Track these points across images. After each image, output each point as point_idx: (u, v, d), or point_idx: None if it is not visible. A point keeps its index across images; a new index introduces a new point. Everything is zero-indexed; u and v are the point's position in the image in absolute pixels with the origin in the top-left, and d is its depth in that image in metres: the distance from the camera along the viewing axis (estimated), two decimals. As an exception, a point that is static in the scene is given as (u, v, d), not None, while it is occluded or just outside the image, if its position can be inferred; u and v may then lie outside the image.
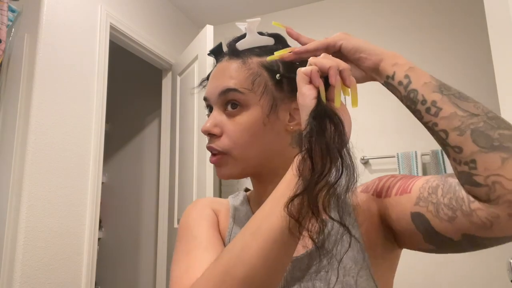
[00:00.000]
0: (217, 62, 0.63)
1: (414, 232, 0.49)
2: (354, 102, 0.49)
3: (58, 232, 1.60)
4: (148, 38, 2.34)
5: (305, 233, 0.50)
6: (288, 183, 0.46)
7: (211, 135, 0.59)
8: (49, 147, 1.61)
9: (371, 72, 0.52)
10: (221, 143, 0.57)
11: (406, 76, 0.48)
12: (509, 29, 1.07)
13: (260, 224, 0.45)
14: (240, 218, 0.63)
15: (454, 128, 0.43)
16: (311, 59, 0.50)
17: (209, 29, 2.13)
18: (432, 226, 0.46)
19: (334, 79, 0.47)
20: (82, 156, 1.78)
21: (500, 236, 0.41)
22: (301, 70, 0.50)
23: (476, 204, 0.42)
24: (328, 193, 0.44)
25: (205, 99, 0.62)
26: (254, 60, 0.59)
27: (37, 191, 1.54)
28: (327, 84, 0.49)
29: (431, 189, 0.47)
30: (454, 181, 0.46)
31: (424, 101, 0.46)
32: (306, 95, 0.48)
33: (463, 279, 2.02)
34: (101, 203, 1.90)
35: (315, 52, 0.54)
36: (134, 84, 3.09)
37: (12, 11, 1.63)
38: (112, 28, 2.06)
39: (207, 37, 2.12)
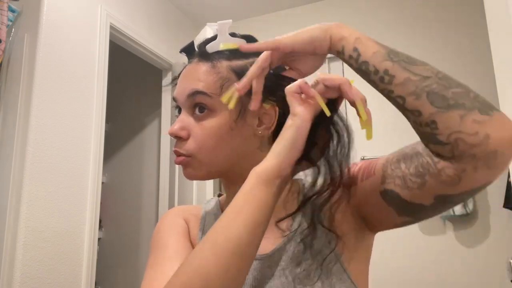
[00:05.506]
0: (188, 60, 0.63)
1: (387, 209, 0.52)
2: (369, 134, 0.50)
3: (58, 232, 1.60)
4: (148, 38, 2.34)
5: (273, 231, 0.55)
6: (246, 196, 0.47)
7: (178, 138, 0.58)
8: (49, 146, 1.61)
9: (329, 52, 0.52)
10: (187, 147, 0.57)
11: (355, 49, 0.49)
12: (509, 29, 1.07)
13: (218, 236, 0.45)
14: (210, 224, 0.64)
15: (409, 93, 0.45)
16: (320, 75, 0.51)
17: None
18: (403, 198, 0.49)
19: (351, 93, 0.49)
20: (82, 156, 1.78)
21: (468, 189, 0.45)
22: (290, 89, 0.51)
23: (442, 163, 0.45)
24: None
25: (174, 99, 0.61)
26: (224, 64, 0.58)
27: (37, 191, 1.54)
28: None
29: (393, 165, 0.51)
30: (412, 151, 0.49)
31: (376, 72, 0.47)
32: (301, 116, 0.50)
33: (463, 278, 2.02)
34: (101, 203, 1.90)
35: (264, 50, 0.53)
36: (134, 84, 3.08)
37: (12, 11, 1.63)
38: (112, 28, 2.06)
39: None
